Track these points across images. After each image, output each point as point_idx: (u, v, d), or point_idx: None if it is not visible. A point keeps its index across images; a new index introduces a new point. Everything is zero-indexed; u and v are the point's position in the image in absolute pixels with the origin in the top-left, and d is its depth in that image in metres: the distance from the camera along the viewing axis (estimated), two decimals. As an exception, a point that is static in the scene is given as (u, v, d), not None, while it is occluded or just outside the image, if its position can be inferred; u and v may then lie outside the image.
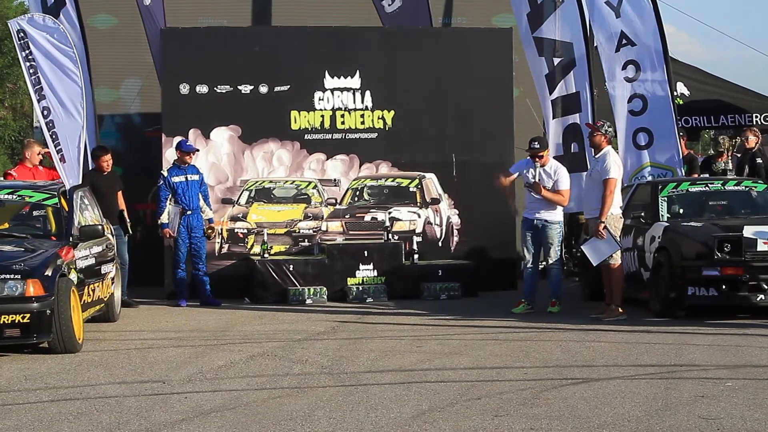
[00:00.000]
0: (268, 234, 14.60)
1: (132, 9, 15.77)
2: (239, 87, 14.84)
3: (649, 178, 14.48)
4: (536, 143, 12.83)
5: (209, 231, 14.17)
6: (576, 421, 7.22)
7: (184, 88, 14.72)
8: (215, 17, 16.61)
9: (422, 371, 9.12)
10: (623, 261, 12.44)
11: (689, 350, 9.99)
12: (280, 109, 14.91)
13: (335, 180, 15.08)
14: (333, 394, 8.24)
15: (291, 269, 14.19)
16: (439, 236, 15.22)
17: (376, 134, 15.11)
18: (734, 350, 10.01)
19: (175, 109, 14.74)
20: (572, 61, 15.15)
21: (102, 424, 7.30)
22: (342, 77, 15.01)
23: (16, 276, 9.72)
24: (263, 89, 14.89)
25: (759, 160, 15.08)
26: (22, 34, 12.27)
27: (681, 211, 13.08)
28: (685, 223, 12.57)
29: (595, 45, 15.58)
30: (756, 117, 17.59)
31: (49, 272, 9.92)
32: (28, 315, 9.67)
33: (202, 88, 14.75)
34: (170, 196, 13.97)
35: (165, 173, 14.05)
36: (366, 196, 15.21)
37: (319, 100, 14.99)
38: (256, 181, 14.97)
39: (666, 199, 13.02)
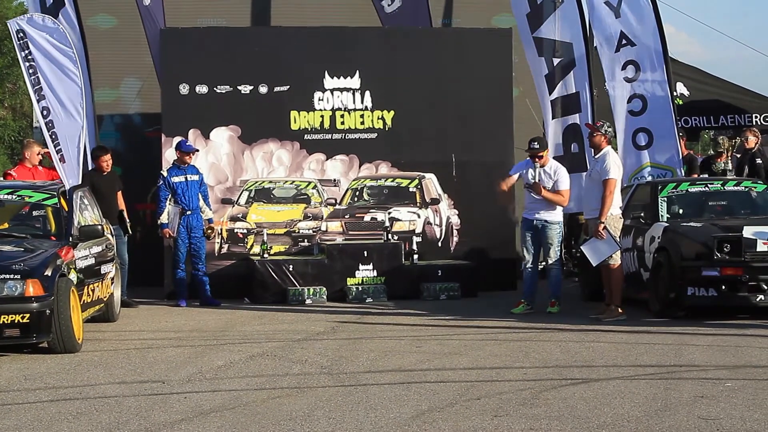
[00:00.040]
0: (267, 234, 14.60)
1: (132, 9, 15.77)
2: (239, 87, 14.84)
3: (649, 179, 14.48)
4: (536, 143, 12.83)
5: (209, 231, 14.17)
6: (575, 421, 7.22)
7: (184, 89, 14.72)
8: (215, 17, 16.61)
9: (422, 371, 9.12)
10: (623, 261, 12.44)
11: (689, 351, 9.99)
12: (279, 109, 14.91)
13: (335, 180, 15.08)
14: (332, 394, 8.24)
15: (291, 269, 14.19)
16: (438, 236, 15.23)
17: (376, 134, 15.11)
18: (734, 351, 10.01)
19: (174, 109, 14.74)
20: (572, 61, 15.15)
21: (101, 424, 7.30)
22: (342, 77, 15.01)
23: (15, 276, 9.72)
24: (263, 89, 14.89)
25: (759, 161, 15.08)
26: (22, 34, 12.27)
27: (681, 211, 13.08)
28: (684, 224, 12.57)
29: (594, 45, 15.59)
30: (756, 117, 17.59)
31: (48, 272, 9.92)
32: (28, 315, 9.68)
33: (202, 89, 14.75)
34: (170, 196, 13.96)
35: (165, 173, 14.05)
36: (366, 197, 15.21)
37: (319, 100, 14.99)
38: (256, 182, 14.97)
39: (666, 199, 13.02)
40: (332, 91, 15.01)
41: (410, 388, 8.34)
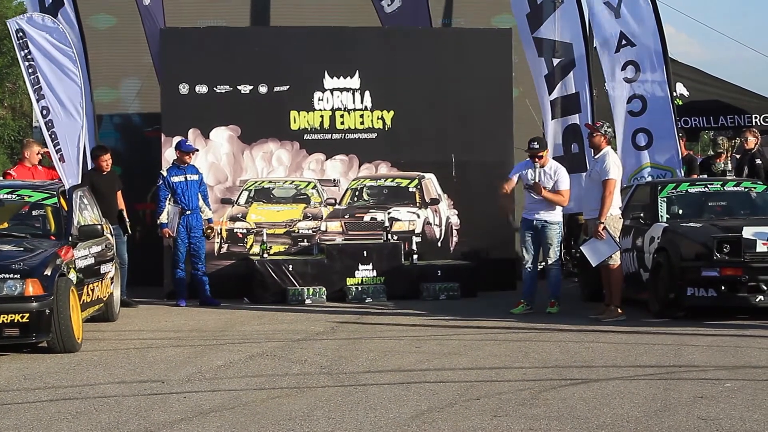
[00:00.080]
0: (267, 234, 14.60)
1: (131, 9, 15.77)
2: (239, 87, 14.83)
3: (649, 179, 14.48)
4: (536, 143, 12.83)
5: (208, 231, 14.17)
6: (575, 421, 7.21)
7: (184, 88, 14.72)
8: (215, 17, 16.60)
9: (421, 371, 9.12)
10: (622, 261, 12.44)
11: (688, 351, 9.99)
12: (279, 109, 14.91)
13: (334, 180, 15.08)
14: (332, 394, 8.24)
15: (290, 269, 14.19)
16: (438, 236, 15.22)
17: (376, 134, 15.11)
18: (733, 351, 10.01)
19: (174, 109, 14.74)
20: (572, 61, 15.15)
21: (101, 424, 7.29)
22: (341, 77, 15.01)
23: (15, 275, 9.72)
24: (263, 89, 14.89)
25: (758, 161, 15.08)
26: (21, 34, 12.27)
27: (680, 211, 13.08)
28: (684, 224, 12.57)
29: (594, 45, 15.59)
30: (755, 118, 17.59)
31: (48, 272, 9.92)
32: (27, 314, 9.68)
33: (202, 88, 14.75)
34: (169, 195, 13.96)
35: (164, 173, 14.05)
36: (365, 197, 15.21)
37: (319, 100, 14.99)
38: (256, 181, 14.97)
39: (665, 199, 13.02)
40: (332, 91, 15.01)
41: (410, 388, 8.34)
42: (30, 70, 12.28)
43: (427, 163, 15.24)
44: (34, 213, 11.70)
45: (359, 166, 15.11)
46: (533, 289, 12.77)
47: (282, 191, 15.10)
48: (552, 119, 15.30)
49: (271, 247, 14.57)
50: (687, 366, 9.26)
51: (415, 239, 14.78)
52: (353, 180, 15.10)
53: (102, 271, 11.86)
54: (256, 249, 14.64)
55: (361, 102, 15.06)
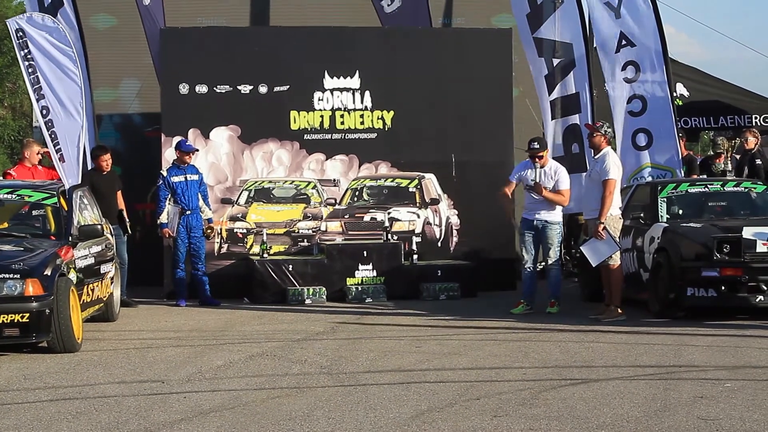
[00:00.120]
0: (267, 234, 14.60)
1: (131, 9, 15.77)
2: (239, 87, 14.83)
3: (649, 179, 14.48)
4: (536, 143, 12.83)
5: (208, 231, 14.17)
6: (575, 421, 7.21)
7: (184, 88, 14.72)
8: (214, 17, 16.61)
9: (421, 371, 9.12)
10: (622, 262, 12.44)
11: (688, 351, 9.99)
12: (279, 109, 14.91)
13: (334, 180, 15.08)
14: (332, 394, 8.24)
15: (290, 269, 14.19)
16: (438, 236, 15.22)
17: (376, 134, 15.11)
18: (733, 351, 10.01)
19: (174, 109, 14.74)
20: (572, 61, 15.15)
21: (101, 424, 7.29)
22: (341, 77, 15.01)
23: (15, 275, 9.72)
24: (263, 89, 14.89)
25: (758, 161, 15.08)
26: (21, 34, 12.27)
27: (680, 212, 13.08)
28: (684, 224, 12.57)
29: (594, 46, 15.59)
30: (755, 118, 17.60)
31: (48, 272, 9.91)
32: (27, 314, 9.67)
33: (202, 88, 14.75)
34: (169, 195, 13.96)
35: (164, 173, 14.05)
36: (365, 197, 15.21)
37: (319, 100, 14.99)
38: (256, 181, 14.97)
39: (665, 199, 13.02)
40: (332, 91, 15.01)
41: (410, 388, 8.34)
42: (30, 70, 12.28)
43: (427, 163, 15.24)
44: (34, 213, 11.69)
45: (359, 166, 15.11)
46: (533, 289, 12.77)
47: (282, 191, 15.10)
48: (552, 119, 15.31)
49: (271, 247, 14.57)
50: (687, 366, 9.26)
51: (415, 239, 14.78)
52: (353, 180, 15.10)
53: (102, 271, 11.86)
54: (256, 249, 14.64)
55: (361, 102, 15.06)
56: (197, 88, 14.72)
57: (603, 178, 12.11)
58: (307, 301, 13.97)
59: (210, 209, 14.22)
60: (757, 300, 11.62)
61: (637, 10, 14.93)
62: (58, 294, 9.90)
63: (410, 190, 15.26)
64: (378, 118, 15.11)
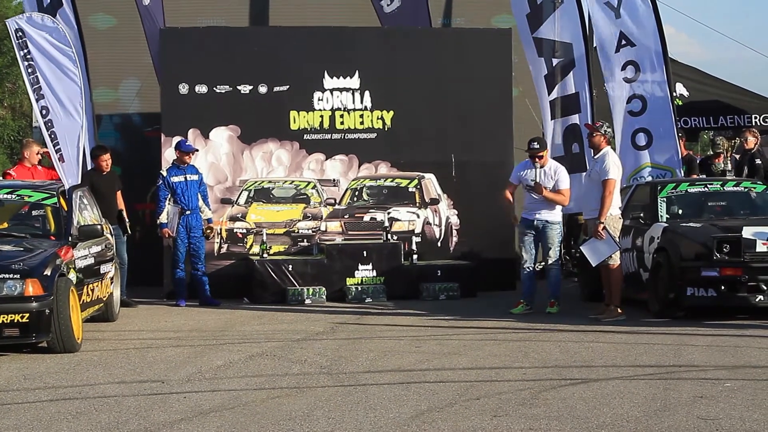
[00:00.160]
0: (267, 234, 14.60)
1: (131, 9, 15.77)
2: (238, 87, 14.83)
3: (649, 179, 14.48)
4: (536, 143, 12.83)
5: (208, 231, 14.17)
6: (575, 421, 7.22)
7: (184, 88, 14.72)
8: (214, 17, 16.60)
9: (421, 371, 9.12)
10: (622, 261, 12.44)
11: (688, 351, 9.99)
12: (279, 109, 14.91)
13: (334, 180, 15.08)
14: (332, 394, 8.24)
15: (290, 269, 14.19)
16: (438, 236, 15.22)
17: (376, 134, 15.11)
18: (733, 351, 10.01)
19: (174, 109, 14.74)
20: (571, 61, 15.16)
21: (101, 424, 7.29)
22: (341, 77, 15.01)
23: (15, 275, 9.72)
24: (262, 89, 14.89)
25: (758, 161, 15.09)
26: (21, 34, 12.26)
27: (680, 211, 13.08)
28: (684, 224, 12.57)
29: (594, 45, 15.59)
30: (755, 118, 17.61)
31: (48, 272, 9.91)
32: (27, 314, 9.67)
33: (202, 88, 14.75)
34: (169, 195, 13.96)
35: (164, 173, 14.05)
36: (365, 197, 15.21)
37: (318, 100, 14.99)
38: (255, 181, 14.97)
39: (665, 199, 13.02)
40: (332, 91, 15.01)
41: (409, 388, 8.34)
42: (29, 70, 12.27)
43: (427, 163, 15.24)
44: (34, 213, 11.69)
45: (359, 166, 15.11)
46: (533, 289, 12.77)
47: (282, 191, 15.10)
48: (552, 119, 15.31)
49: (270, 247, 14.57)
50: (687, 366, 9.26)
51: (415, 239, 14.78)
52: (353, 180, 15.10)
53: (102, 271, 11.86)
54: (255, 249, 14.64)
55: (361, 102, 15.06)
56: (197, 88, 14.72)
57: (603, 178, 12.12)
58: (307, 301, 13.97)
59: (210, 209, 14.22)
60: (757, 300, 11.62)
61: (636, 10, 14.94)
62: (58, 294, 9.90)
63: (410, 190, 15.26)
64: (378, 118, 15.11)
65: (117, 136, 16.74)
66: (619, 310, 12.12)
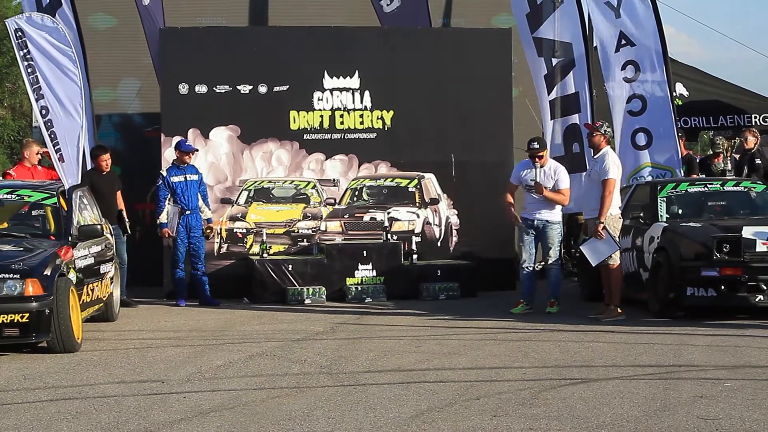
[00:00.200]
0: (267, 234, 14.60)
1: (131, 9, 15.77)
2: (238, 87, 14.83)
3: (648, 179, 14.48)
4: (536, 143, 12.83)
5: (208, 231, 14.17)
6: (575, 421, 7.21)
7: (183, 88, 14.72)
8: (214, 17, 16.61)
9: (421, 371, 9.12)
10: (622, 261, 12.44)
11: (688, 351, 9.99)
12: (279, 109, 14.91)
13: (334, 180, 15.08)
14: (332, 394, 8.24)
15: (290, 269, 14.19)
16: (438, 236, 15.22)
17: (375, 134, 15.11)
18: (733, 351, 10.01)
19: (174, 108, 14.74)
20: (571, 61, 15.16)
21: (101, 424, 7.29)
22: (341, 77, 15.01)
23: (15, 275, 9.72)
24: (262, 89, 14.89)
25: (758, 161, 15.09)
26: (20, 33, 12.26)
27: (680, 211, 13.08)
28: (684, 224, 12.57)
29: (594, 45, 15.59)
30: (755, 117, 17.61)
31: (48, 272, 9.91)
32: (27, 314, 9.67)
33: (201, 88, 14.75)
34: (169, 195, 13.96)
35: (164, 173, 14.05)
36: (365, 196, 15.21)
37: (318, 100, 14.99)
38: (255, 181, 14.97)
39: (665, 199, 13.02)
40: (331, 91, 15.01)
41: (409, 388, 8.34)
42: (29, 70, 12.27)
43: (427, 163, 15.24)
44: (34, 213, 11.69)
45: (359, 166, 15.11)
46: (532, 289, 12.77)
47: (282, 191, 15.10)
48: (552, 119, 15.31)
49: (270, 247, 14.57)
50: (687, 366, 9.26)
51: (415, 239, 14.78)
52: (353, 180, 15.10)
53: (102, 271, 11.86)
54: (255, 249, 14.64)
55: (361, 102, 15.06)
56: (197, 88, 14.72)
57: (602, 178, 12.12)
58: (307, 301, 13.97)
59: (209, 209, 14.22)
60: (757, 299, 11.62)
61: (636, 10, 14.94)
62: (58, 294, 9.90)
63: (410, 190, 15.26)
64: (378, 118, 15.11)
65: (117, 136, 16.74)
66: (619, 310, 12.12)
